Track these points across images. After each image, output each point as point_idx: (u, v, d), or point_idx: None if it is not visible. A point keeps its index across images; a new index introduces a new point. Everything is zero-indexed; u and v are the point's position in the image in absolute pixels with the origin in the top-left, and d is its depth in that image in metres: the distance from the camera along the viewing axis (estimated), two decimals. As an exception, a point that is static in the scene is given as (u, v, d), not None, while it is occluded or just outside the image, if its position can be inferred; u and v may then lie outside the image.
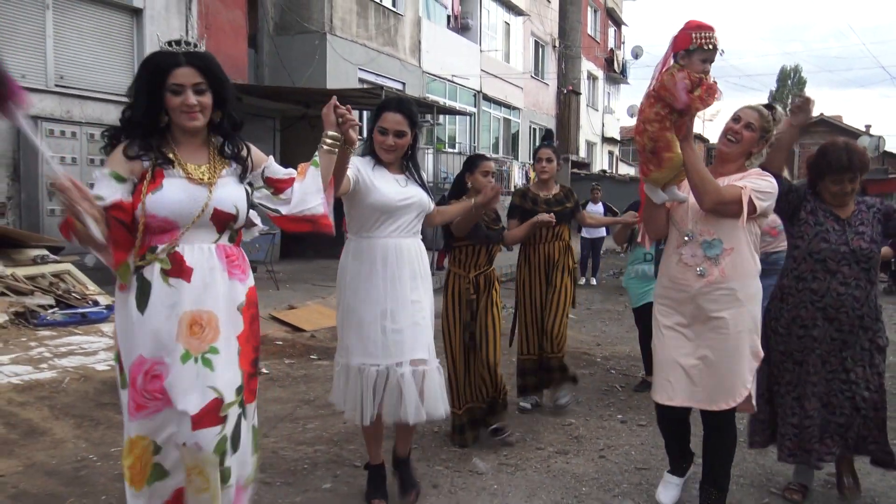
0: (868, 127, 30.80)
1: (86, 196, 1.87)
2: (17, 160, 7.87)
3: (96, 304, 6.47)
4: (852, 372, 2.98)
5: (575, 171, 22.59)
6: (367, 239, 2.90)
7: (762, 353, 2.85)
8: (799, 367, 3.04)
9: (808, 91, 52.18)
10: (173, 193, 2.05)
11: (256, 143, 2.37)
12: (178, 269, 2.06)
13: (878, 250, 3.03)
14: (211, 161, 2.16)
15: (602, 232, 11.19)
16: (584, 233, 11.17)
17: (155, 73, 2.06)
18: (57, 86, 8.29)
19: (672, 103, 2.58)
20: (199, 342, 2.06)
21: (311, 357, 5.85)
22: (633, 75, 33.58)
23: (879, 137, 21.49)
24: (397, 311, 2.86)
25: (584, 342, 6.76)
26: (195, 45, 2.09)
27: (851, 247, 2.96)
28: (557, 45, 24.44)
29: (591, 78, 29.09)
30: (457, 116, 17.67)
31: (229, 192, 2.15)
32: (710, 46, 2.60)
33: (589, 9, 27.77)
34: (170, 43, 2.08)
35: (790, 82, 53.74)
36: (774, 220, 3.37)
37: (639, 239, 3.65)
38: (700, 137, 29.99)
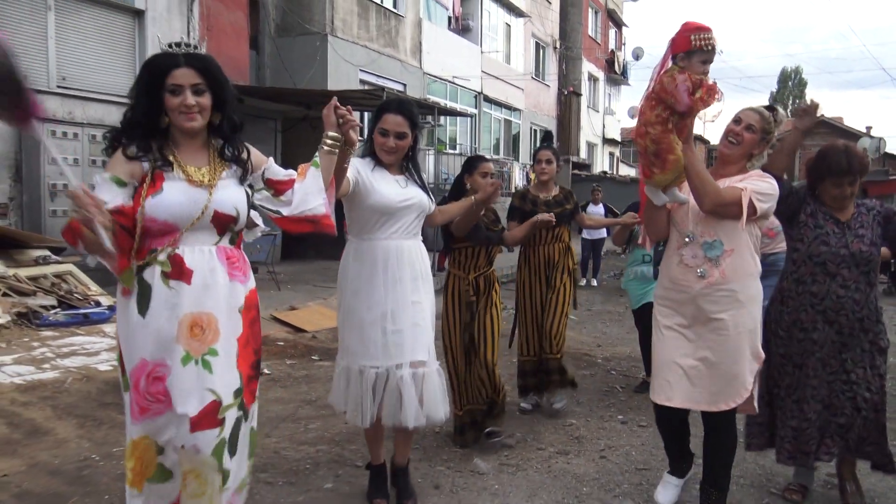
0: (869, 128, 30.79)
1: (99, 207, 1.87)
2: (19, 161, 7.89)
3: (98, 304, 6.49)
4: (853, 373, 2.99)
5: (576, 172, 22.61)
6: (367, 241, 2.90)
7: (763, 355, 2.85)
8: (799, 370, 3.04)
9: (809, 92, 52.27)
10: (173, 196, 2.05)
11: (257, 145, 2.38)
12: (178, 272, 2.06)
13: (877, 253, 3.02)
14: (211, 163, 2.17)
15: (603, 233, 11.19)
16: (585, 234, 11.18)
17: (155, 73, 2.07)
18: (59, 87, 8.30)
19: (673, 105, 2.57)
20: (200, 344, 2.07)
21: (313, 357, 5.85)
22: (634, 76, 33.61)
23: (880, 139, 21.46)
24: (398, 311, 2.86)
25: (584, 343, 6.77)
26: (195, 47, 2.11)
27: (851, 250, 2.96)
28: (558, 46, 24.49)
29: (592, 79, 29.08)
30: (458, 118, 17.68)
31: (229, 194, 2.15)
32: (709, 48, 2.60)
33: (590, 10, 27.78)
34: (170, 45, 2.10)
35: (791, 84, 53.69)
36: (772, 221, 3.38)
37: (639, 240, 3.66)
38: (701, 139, 30.03)
